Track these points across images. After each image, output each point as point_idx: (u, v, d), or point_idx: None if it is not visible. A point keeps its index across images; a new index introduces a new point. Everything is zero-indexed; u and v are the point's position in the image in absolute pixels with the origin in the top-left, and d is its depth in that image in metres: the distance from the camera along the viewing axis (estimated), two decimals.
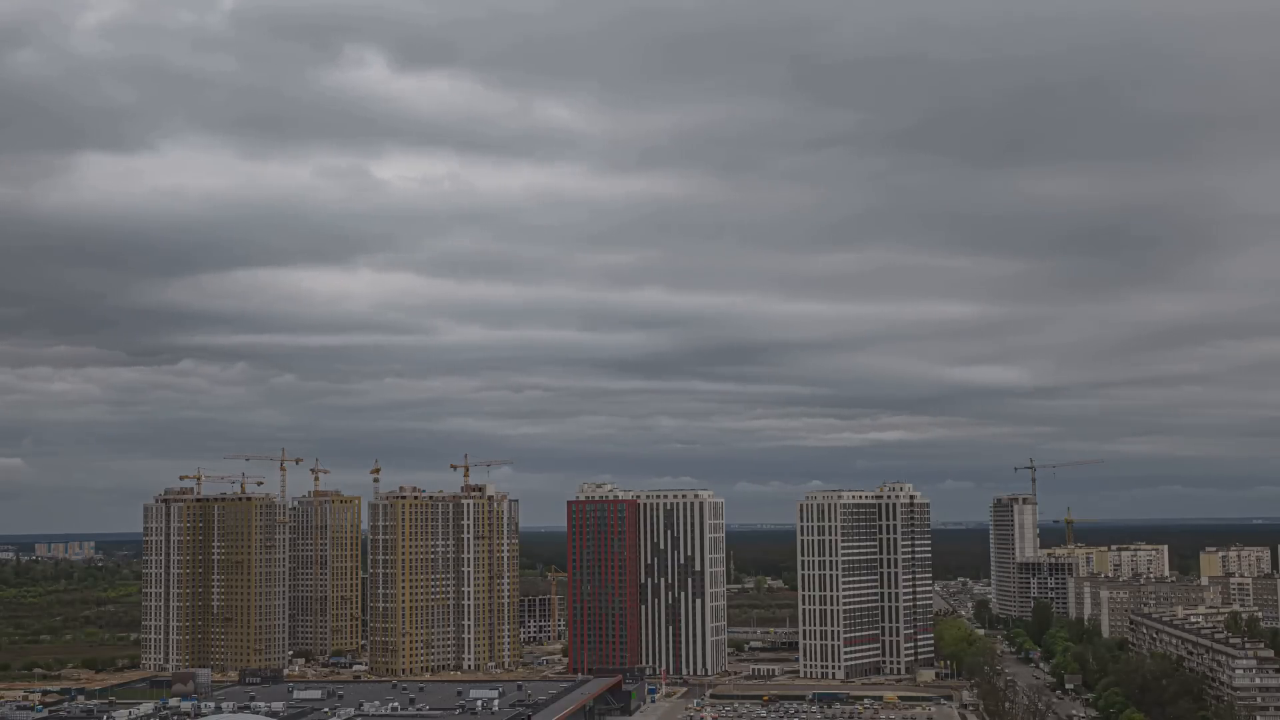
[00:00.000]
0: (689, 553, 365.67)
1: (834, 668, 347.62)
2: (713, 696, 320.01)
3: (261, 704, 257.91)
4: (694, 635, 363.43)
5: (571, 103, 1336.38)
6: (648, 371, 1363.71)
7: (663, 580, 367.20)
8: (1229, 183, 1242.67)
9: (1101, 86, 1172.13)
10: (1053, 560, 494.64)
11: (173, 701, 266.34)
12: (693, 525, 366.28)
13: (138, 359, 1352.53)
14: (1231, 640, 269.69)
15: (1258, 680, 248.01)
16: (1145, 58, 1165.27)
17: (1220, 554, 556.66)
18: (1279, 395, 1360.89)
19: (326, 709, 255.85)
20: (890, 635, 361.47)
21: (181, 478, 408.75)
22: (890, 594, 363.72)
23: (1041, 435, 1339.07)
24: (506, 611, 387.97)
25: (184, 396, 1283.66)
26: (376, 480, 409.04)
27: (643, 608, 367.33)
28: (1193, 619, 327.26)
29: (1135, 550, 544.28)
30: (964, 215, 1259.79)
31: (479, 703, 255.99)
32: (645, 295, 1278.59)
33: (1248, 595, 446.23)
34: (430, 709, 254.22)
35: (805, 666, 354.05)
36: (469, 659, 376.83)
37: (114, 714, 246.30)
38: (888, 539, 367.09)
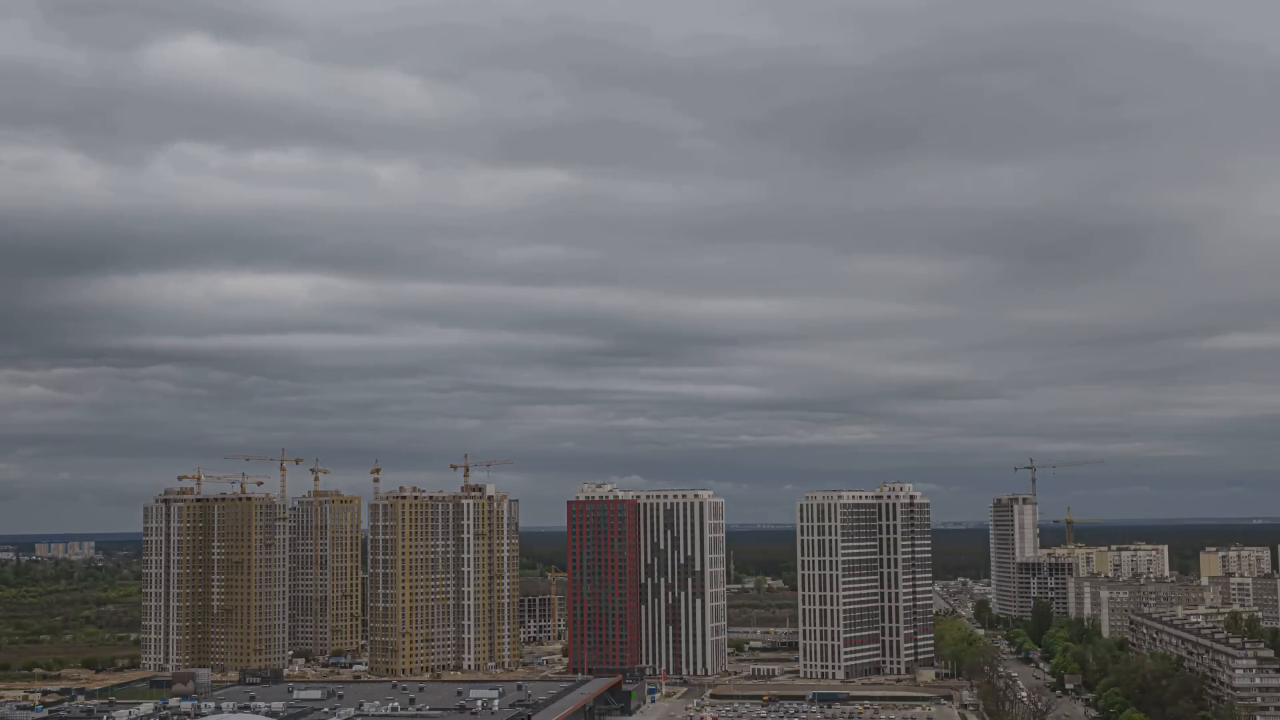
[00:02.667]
0: (689, 553, 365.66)
1: (834, 668, 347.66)
2: (713, 696, 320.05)
3: (261, 704, 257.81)
4: (694, 635, 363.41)
5: (425, 89, 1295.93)
6: (600, 369, 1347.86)
7: (663, 580, 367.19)
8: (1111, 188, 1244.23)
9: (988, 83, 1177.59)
10: (1053, 560, 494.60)
11: (173, 701, 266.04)
12: (693, 525, 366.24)
13: (99, 362, 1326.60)
14: (1231, 640, 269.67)
15: (1258, 680, 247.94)
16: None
17: (1220, 554, 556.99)
18: (1220, 397, 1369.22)
19: (326, 709, 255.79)
20: (890, 635, 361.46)
21: (180, 478, 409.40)
22: (890, 594, 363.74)
23: (989, 436, 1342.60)
24: (506, 611, 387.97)
25: (160, 400, 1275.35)
26: (376, 480, 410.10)
27: (643, 608, 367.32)
28: (1193, 619, 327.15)
29: (1135, 550, 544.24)
30: (870, 212, 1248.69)
31: (479, 703, 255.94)
32: (573, 292, 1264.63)
33: (1248, 595, 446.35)
34: (430, 709, 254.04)
35: (805, 666, 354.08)
36: (469, 659, 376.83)
37: (114, 714, 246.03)
38: (888, 539, 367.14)
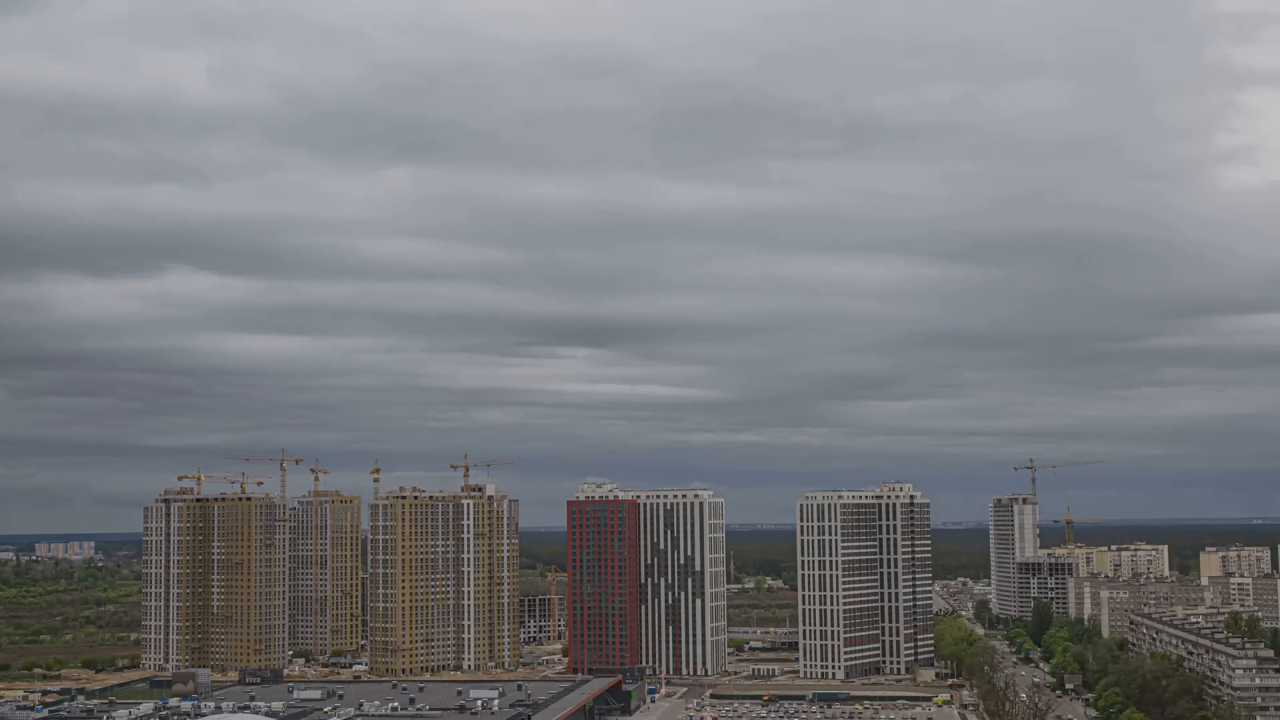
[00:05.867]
0: (689, 553, 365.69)
1: (834, 668, 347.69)
2: (713, 696, 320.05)
3: (261, 704, 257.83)
4: (694, 635, 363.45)
5: (221, 79, 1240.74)
6: (542, 369, 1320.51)
7: (663, 580, 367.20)
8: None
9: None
10: (1053, 560, 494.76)
11: (173, 701, 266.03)
12: (693, 525, 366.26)
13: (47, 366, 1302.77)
14: (1231, 640, 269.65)
15: (1258, 680, 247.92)
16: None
17: (1220, 554, 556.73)
18: (1166, 399, 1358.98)
19: (326, 709, 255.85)
20: (890, 635, 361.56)
21: (180, 478, 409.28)
22: (890, 594, 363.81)
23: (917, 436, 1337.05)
24: (506, 611, 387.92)
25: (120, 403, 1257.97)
26: (376, 481, 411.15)
27: (643, 608, 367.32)
28: (1193, 619, 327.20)
29: (1135, 550, 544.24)
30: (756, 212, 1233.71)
31: (479, 703, 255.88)
32: (483, 290, 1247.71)
33: (1248, 595, 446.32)
34: (430, 709, 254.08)
35: (805, 666, 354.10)
36: (469, 659, 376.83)
37: (114, 714, 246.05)
38: (888, 539, 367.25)
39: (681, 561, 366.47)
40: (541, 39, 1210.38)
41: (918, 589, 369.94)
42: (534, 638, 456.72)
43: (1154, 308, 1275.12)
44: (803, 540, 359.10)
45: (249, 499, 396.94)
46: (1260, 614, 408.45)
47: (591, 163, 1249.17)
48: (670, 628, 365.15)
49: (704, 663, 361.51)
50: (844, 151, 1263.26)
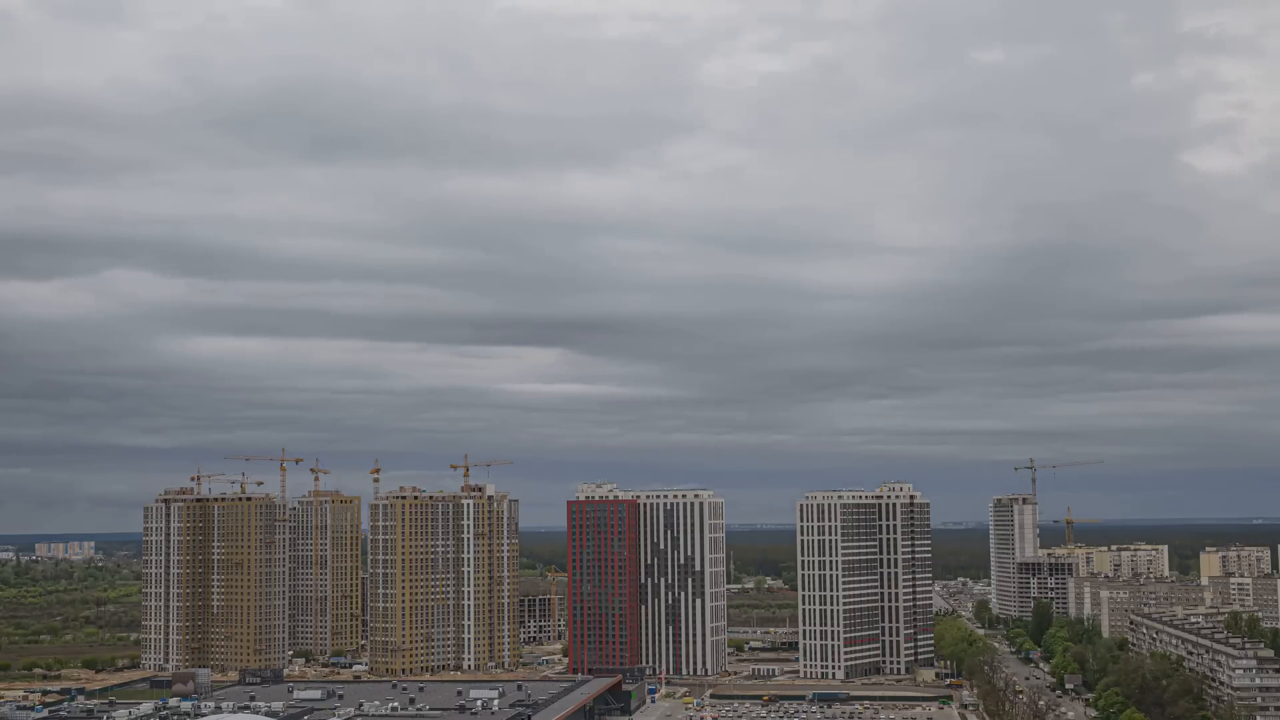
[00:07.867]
0: (689, 553, 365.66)
1: (834, 668, 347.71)
2: (713, 696, 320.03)
3: (261, 704, 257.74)
4: (694, 635, 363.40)
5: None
6: (499, 369, 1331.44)
7: (663, 580, 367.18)
8: None
9: None
10: (1053, 560, 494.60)
11: (173, 701, 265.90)
12: (693, 525, 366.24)
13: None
14: (1231, 640, 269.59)
15: (1258, 680, 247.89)
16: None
17: (1220, 554, 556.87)
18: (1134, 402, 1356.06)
19: (326, 709, 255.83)
20: (890, 635, 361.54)
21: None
22: (890, 594, 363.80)
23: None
24: (506, 611, 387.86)
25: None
26: (376, 480, 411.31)
27: (643, 608, 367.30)
28: (1193, 619, 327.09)
29: (1135, 550, 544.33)
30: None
31: (479, 703, 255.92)
32: (407, 288, 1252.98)
33: (1248, 595, 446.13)
34: (430, 709, 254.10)
35: (805, 666, 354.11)
36: (469, 659, 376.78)
37: (114, 714, 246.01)
38: (887, 539, 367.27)
39: (681, 561, 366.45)
40: (433, 40, 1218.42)
41: (918, 589, 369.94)
42: (534, 638, 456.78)
43: (1123, 309, 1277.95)
44: (803, 540, 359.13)
45: (249, 499, 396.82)
46: (1260, 614, 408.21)
47: (505, 160, 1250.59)
48: (670, 628, 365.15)
49: (704, 663, 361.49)
50: (774, 144, 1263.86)
